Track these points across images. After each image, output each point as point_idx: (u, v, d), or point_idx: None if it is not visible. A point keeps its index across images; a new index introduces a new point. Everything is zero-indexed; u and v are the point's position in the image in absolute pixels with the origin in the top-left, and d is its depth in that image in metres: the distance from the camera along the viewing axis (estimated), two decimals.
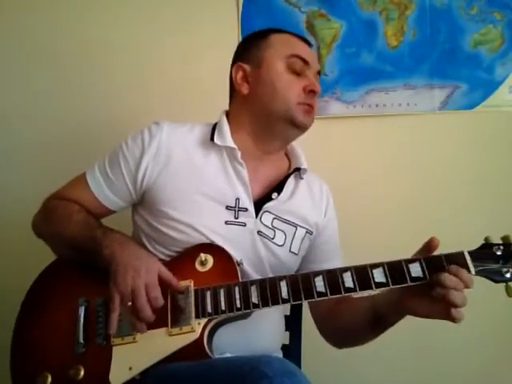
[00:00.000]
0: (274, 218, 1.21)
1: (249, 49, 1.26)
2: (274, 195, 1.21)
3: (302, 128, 1.23)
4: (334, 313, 1.25)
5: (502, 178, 1.76)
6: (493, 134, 1.77)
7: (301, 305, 1.39)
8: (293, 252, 1.24)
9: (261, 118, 1.22)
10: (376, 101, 1.76)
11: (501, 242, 1.02)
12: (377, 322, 1.11)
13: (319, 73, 1.27)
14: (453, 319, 0.97)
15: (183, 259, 1.13)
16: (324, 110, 1.77)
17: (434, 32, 1.75)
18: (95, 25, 1.79)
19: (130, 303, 1.03)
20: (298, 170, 1.27)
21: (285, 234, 1.22)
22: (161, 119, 1.24)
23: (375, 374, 1.75)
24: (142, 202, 1.22)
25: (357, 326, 1.18)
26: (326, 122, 1.77)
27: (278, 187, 1.23)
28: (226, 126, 1.23)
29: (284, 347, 1.32)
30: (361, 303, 1.16)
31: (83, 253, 1.13)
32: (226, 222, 1.16)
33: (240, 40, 1.74)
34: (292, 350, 1.35)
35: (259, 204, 1.20)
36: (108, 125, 1.73)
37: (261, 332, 1.17)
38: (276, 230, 1.21)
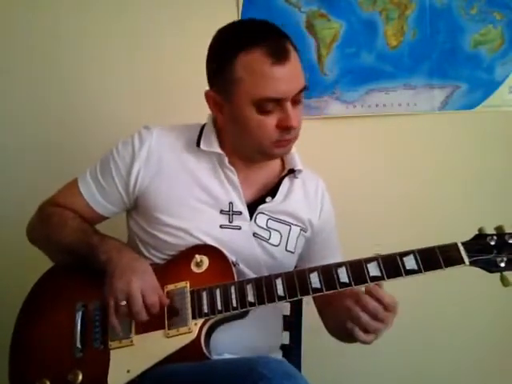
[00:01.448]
0: (269, 219, 1.21)
1: (217, 77, 1.13)
2: (268, 199, 1.21)
3: (277, 158, 1.23)
4: (329, 306, 1.23)
5: (501, 178, 1.76)
6: (493, 134, 1.77)
7: (301, 304, 1.39)
8: (289, 251, 1.23)
9: (238, 144, 1.18)
10: (376, 101, 1.76)
11: (494, 233, 1.02)
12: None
13: (303, 89, 1.11)
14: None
15: (179, 261, 1.14)
16: (324, 110, 1.77)
17: (433, 32, 1.74)
18: (95, 24, 1.79)
19: (124, 302, 1.03)
20: (292, 171, 1.25)
21: (280, 234, 1.22)
22: (159, 120, 1.24)
23: (375, 373, 1.76)
24: (136, 207, 1.22)
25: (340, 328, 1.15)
26: (326, 121, 1.77)
27: (272, 191, 1.22)
28: (212, 132, 1.20)
29: (284, 347, 1.32)
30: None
31: (79, 258, 1.14)
32: (221, 226, 1.16)
33: None
34: (292, 350, 1.35)
35: (253, 206, 1.19)
36: (107, 125, 1.73)
37: (259, 332, 1.17)
38: (271, 231, 1.20)
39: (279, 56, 1.06)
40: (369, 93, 1.76)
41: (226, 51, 1.10)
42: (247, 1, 1.78)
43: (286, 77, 1.07)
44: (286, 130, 1.10)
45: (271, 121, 1.09)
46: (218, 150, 1.18)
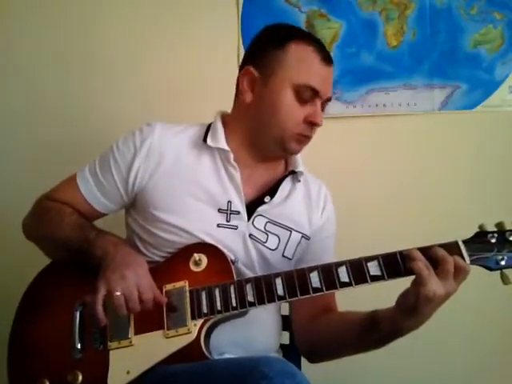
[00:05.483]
0: (268, 222, 1.19)
1: (263, 55, 1.18)
2: (267, 199, 1.20)
3: (290, 154, 1.23)
4: (317, 320, 1.22)
5: (501, 178, 1.76)
6: (493, 134, 1.76)
7: None
8: (286, 257, 1.21)
9: (255, 132, 1.20)
10: (376, 101, 1.76)
11: (495, 230, 1.02)
12: (369, 330, 1.07)
13: (330, 99, 1.21)
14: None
15: (177, 260, 1.13)
16: (324, 109, 1.77)
17: (433, 32, 1.74)
18: (98, 25, 1.80)
19: (118, 293, 1.01)
20: (293, 172, 1.25)
21: (278, 238, 1.20)
22: (162, 120, 1.23)
23: (375, 372, 1.75)
24: (134, 204, 1.21)
25: (342, 335, 1.14)
26: (326, 122, 1.73)
27: (272, 190, 1.21)
28: (220, 128, 1.21)
29: (284, 347, 1.31)
30: (352, 315, 1.14)
31: (76, 254, 1.13)
32: (218, 225, 1.15)
33: (241, 41, 1.75)
34: (292, 350, 1.34)
35: (252, 207, 1.18)
36: (109, 127, 1.73)
37: (259, 331, 1.17)
38: (269, 234, 1.19)
39: (327, 58, 1.18)
40: (369, 93, 1.76)
41: (280, 34, 1.20)
42: (247, 1, 1.78)
43: (327, 77, 1.18)
44: (311, 126, 1.17)
45: (301, 112, 1.15)
46: (225, 147, 1.18)
